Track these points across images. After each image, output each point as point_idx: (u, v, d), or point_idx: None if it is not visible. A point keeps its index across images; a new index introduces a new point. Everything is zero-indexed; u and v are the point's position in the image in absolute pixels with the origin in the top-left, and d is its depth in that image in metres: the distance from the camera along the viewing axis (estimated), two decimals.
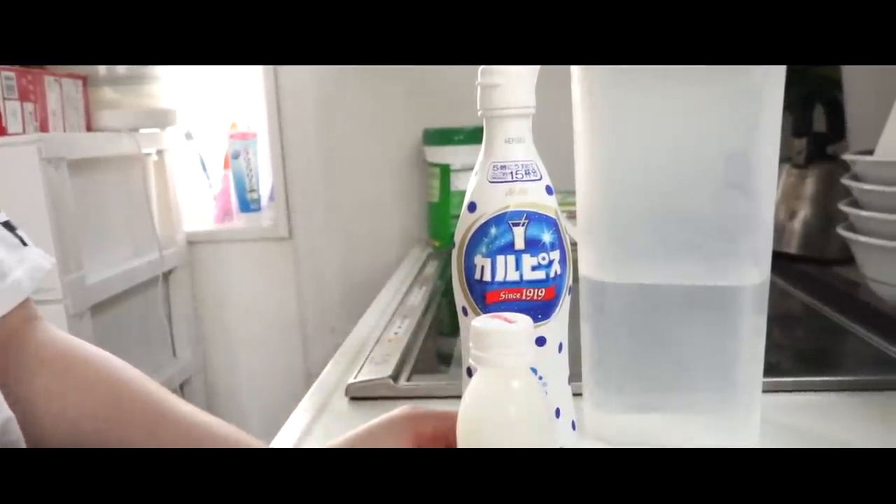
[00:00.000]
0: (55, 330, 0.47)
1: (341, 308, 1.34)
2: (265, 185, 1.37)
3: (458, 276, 0.42)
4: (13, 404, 0.42)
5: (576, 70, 0.47)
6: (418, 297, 0.86)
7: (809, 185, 0.98)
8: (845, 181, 0.66)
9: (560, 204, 0.42)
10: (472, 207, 0.41)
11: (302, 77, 1.29)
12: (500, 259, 0.40)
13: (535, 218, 0.40)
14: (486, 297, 0.40)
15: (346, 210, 1.33)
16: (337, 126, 1.30)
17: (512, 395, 0.31)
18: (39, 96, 1.03)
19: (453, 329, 0.83)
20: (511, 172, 0.40)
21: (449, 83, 1.26)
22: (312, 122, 1.31)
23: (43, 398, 0.43)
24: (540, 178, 0.41)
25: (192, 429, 0.43)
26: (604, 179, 0.47)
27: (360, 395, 0.58)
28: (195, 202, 1.39)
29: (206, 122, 1.38)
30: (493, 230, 0.40)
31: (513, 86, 0.41)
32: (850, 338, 0.68)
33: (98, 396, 0.43)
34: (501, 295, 0.40)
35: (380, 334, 0.72)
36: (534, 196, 0.40)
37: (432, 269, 1.04)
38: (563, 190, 0.46)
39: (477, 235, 0.41)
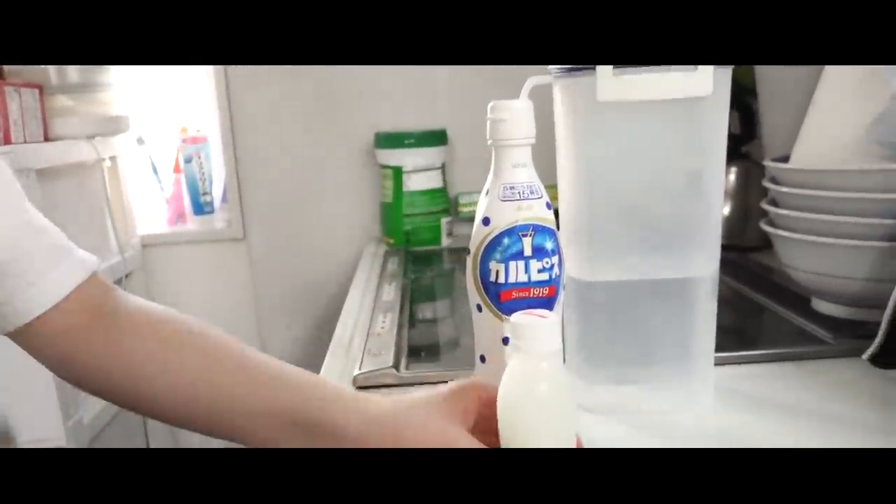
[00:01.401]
0: (135, 297, 0.52)
1: (296, 305, 1.40)
2: (218, 188, 1.41)
3: (473, 278, 0.50)
4: (110, 368, 0.47)
5: (558, 93, 0.56)
6: (391, 294, 0.93)
7: (728, 182, 1.10)
8: (765, 183, 0.78)
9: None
10: (486, 222, 0.49)
11: (252, 80, 1.34)
12: (511, 264, 0.48)
13: (539, 229, 0.49)
14: (500, 296, 0.49)
15: (298, 210, 1.38)
16: (288, 128, 1.35)
17: (543, 374, 0.40)
18: (1, 107, 1.05)
19: (432, 321, 0.91)
20: (518, 192, 0.49)
21: (399, 86, 1.34)
22: (264, 125, 1.35)
23: (143, 360, 0.47)
24: (541, 197, 0.49)
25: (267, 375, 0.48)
26: (583, 191, 0.56)
27: (366, 385, 0.65)
28: (147, 206, 1.41)
29: (156, 127, 1.41)
30: (505, 240, 0.48)
31: (517, 120, 0.49)
32: (771, 315, 0.80)
33: (191, 353, 0.49)
34: (513, 294, 0.49)
35: (367, 329, 0.79)
36: (538, 211, 0.49)
37: (395, 265, 1.11)
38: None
39: (491, 245, 0.49)
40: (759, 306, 0.84)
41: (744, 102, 1.14)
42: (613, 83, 0.50)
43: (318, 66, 1.31)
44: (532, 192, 0.49)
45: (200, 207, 1.40)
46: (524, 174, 0.49)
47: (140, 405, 0.48)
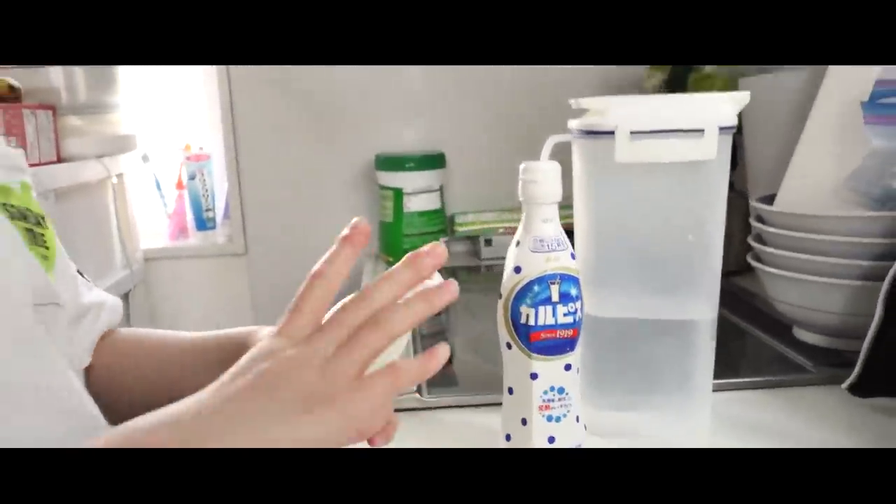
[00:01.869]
0: (131, 330, 0.61)
1: None
2: (220, 204, 1.45)
3: (504, 319, 0.56)
4: (118, 395, 0.55)
5: (576, 151, 0.62)
6: None
7: None
8: (752, 222, 0.85)
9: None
10: (517, 270, 0.55)
11: (256, 99, 1.38)
12: (541, 309, 0.54)
13: (565, 278, 0.55)
14: (529, 337, 0.55)
15: (298, 226, 1.43)
16: (290, 146, 1.40)
17: None
18: (20, 129, 1.08)
19: (443, 340, 0.96)
20: (547, 244, 0.55)
21: (399, 107, 1.39)
22: (266, 143, 1.40)
23: (128, 379, 0.55)
24: (567, 248, 0.55)
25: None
26: (596, 238, 0.62)
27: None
28: (149, 220, 1.45)
29: (160, 145, 1.44)
30: (535, 287, 0.54)
31: (546, 181, 0.55)
32: (754, 340, 0.88)
33: (150, 362, 0.59)
34: (542, 335, 0.55)
35: None
36: (564, 262, 0.55)
37: None
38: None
39: (522, 291, 0.55)
40: (742, 331, 0.91)
41: None
42: (630, 146, 0.57)
43: (320, 86, 1.36)
44: (559, 245, 0.55)
45: (203, 223, 1.44)
46: (552, 228, 0.55)
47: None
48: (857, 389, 0.66)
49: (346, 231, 0.46)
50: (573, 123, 0.61)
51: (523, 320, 0.55)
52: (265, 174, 1.41)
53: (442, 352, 0.44)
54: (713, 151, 0.56)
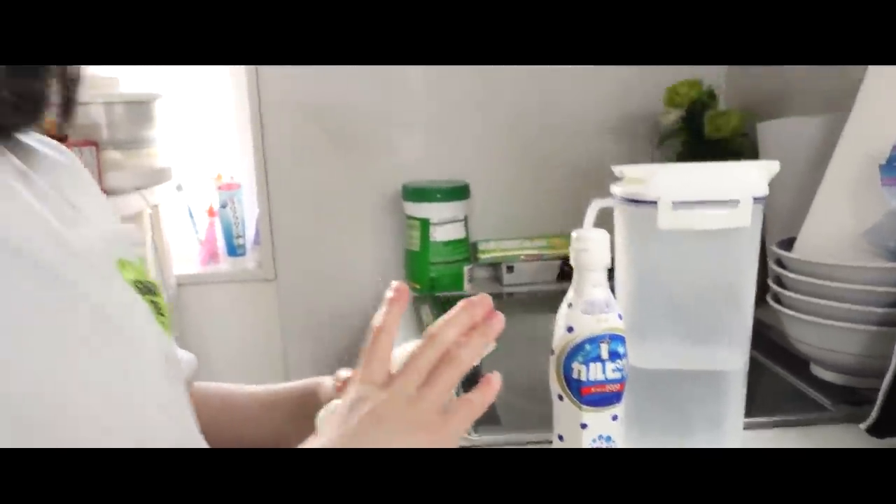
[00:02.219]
0: (204, 383, 0.68)
1: (321, 343, 1.50)
2: (250, 230, 1.51)
3: (556, 374, 0.62)
4: None
5: (619, 215, 0.67)
6: None
7: None
8: (771, 265, 0.90)
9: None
10: (570, 329, 0.61)
11: (285, 127, 1.43)
12: (591, 365, 0.60)
13: (614, 338, 0.60)
14: (581, 391, 0.60)
15: (327, 252, 1.48)
16: (318, 175, 1.45)
17: None
18: None
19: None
20: (598, 307, 0.60)
21: (425, 137, 1.45)
22: (295, 172, 1.45)
23: (205, 431, 0.60)
24: (615, 310, 0.61)
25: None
26: (637, 295, 0.68)
27: None
28: (182, 247, 1.50)
29: (192, 174, 1.50)
30: (587, 346, 0.60)
31: (597, 249, 0.60)
32: (772, 376, 0.93)
33: (224, 415, 0.65)
34: (592, 389, 0.60)
35: None
36: (612, 322, 0.60)
37: (427, 315, 1.22)
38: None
39: (575, 349, 0.60)
40: (760, 365, 0.96)
41: None
42: (671, 215, 0.62)
43: (348, 115, 1.41)
44: (608, 307, 0.60)
45: (234, 249, 1.49)
46: (602, 292, 0.61)
47: None
48: (876, 430, 0.71)
49: (390, 293, 0.55)
50: (616, 190, 0.66)
51: (575, 375, 0.60)
52: (294, 202, 1.46)
53: (496, 379, 0.53)
54: (747, 220, 0.62)
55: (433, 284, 1.36)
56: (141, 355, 0.45)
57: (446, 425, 0.49)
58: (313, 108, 1.43)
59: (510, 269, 1.43)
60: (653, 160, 1.42)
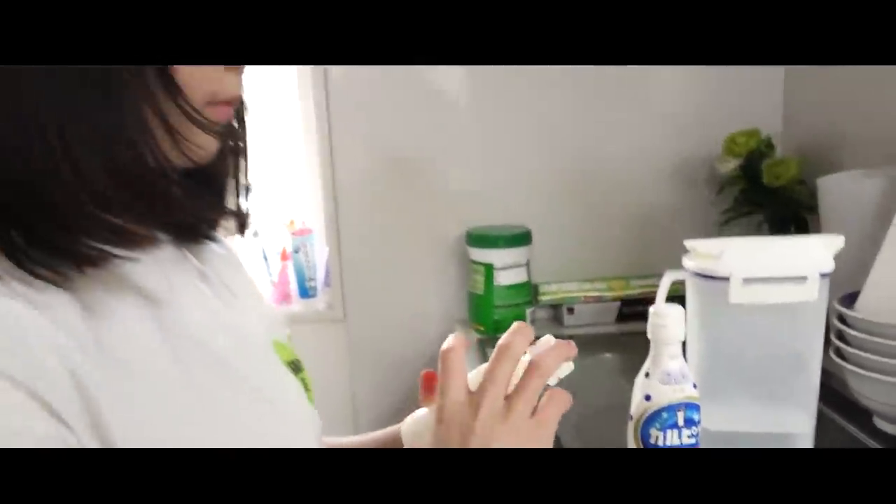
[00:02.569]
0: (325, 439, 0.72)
1: (388, 382, 1.57)
2: (321, 272, 1.58)
3: (634, 439, 0.66)
4: None
5: (691, 287, 0.72)
6: None
7: None
8: (834, 321, 0.93)
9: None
10: (647, 398, 0.65)
11: (356, 173, 1.50)
12: (668, 432, 0.65)
13: (689, 406, 0.65)
14: None
15: (394, 294, 1.55)
16: (387, 219, 1.52)
17: None
18: None
19: None
20: (674, 378, 0.65)
21: (490, 183, 1.51)
22: (364, 217, 1.52)
23: None
24: (690, 380, 0.66)
25: None
26: (708, 362, 0.72)
27: None
28: None
29: (265, 218, 1.58)
30: (664, 414, 0.65)
31: (674, 324, 0.65)
32: (835, 427, 0.95)
33: None
34: None
35: None
36: (688, 392, 0.65)
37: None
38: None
39: (652, 416, 0.65)
40: (823, 416, 0.98)
41: (800, 217, 1.30)
42: (742, 290, 0.67)
43: (417, 161, 1.48)
44: (683, 377, 0.65)
45: (305, 291, 1.57)
46: (677, 363, 0.65)
47: None
48: None
49: (446, 345, 0.54)
50: (688, 264, 0.71)
51: (652, 441, 0.65)
52: (363, 245, 1.53)
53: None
54: (815, 294, 0.66)
55: (497, 326, 1.42)
56: (295, 432, 0.51)
57: (540, 428, 0.50)
58: (382, 154, 1.50)
59: (571, 310, 1.47)
60: (711, 205, 1.46)
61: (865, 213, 0.98)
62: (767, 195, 1.30)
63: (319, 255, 1.58)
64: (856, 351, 0.88)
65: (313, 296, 1.58)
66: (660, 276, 1.44)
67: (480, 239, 1.43)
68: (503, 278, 1.41)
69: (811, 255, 0.67)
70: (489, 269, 1.41)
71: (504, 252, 1.41)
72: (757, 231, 1.41)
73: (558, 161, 1.52)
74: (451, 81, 1.48)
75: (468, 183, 1.51)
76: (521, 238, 1.43)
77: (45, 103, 0.38)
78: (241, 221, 0.53)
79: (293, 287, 1.58)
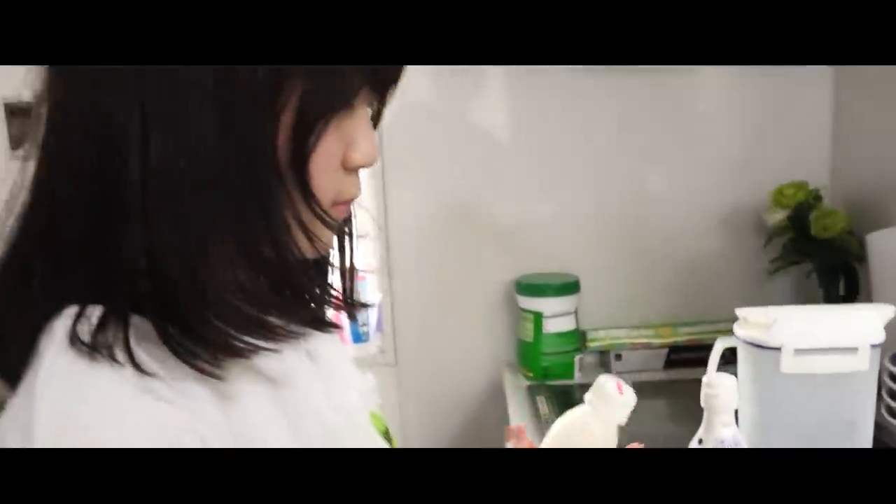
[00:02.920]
0: None
1: (438, 427, 1.60)
2: (374, 318, 1.63)
3: None
4: None
5: (742, 354, 0.75)
6: None
7: None
8: (885, 379, 0.94)
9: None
10: None
11: (408, 221, 1.55)
12: None
13: None
14: None
15: (444, 339, 1.58)
16: (437, 267, 1.56)
17: None
18: None
19: None
20: (727, 444, 0.67)
21: (540, 232, 1.54)
22: (417, 264, 1.57)
23: None
24: (741, 445, 0.68)
25: None
26: (760, 428, 0.74)
27: None
28: None
29: None
30: None
31: (726, 394, 0.67)
32: None
33: None
34: None
35: None
36: None
37: (541, 403, 1.30)
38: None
39: None
40: None
41: (849, 266, 1.31)
42: (794, 360, 0.69)
43: (469, 206, 1.53)
44: (737, 444, 0.67)
45: (359, 336, 1.61)
46: (730, 431, 0.68)
47: None
48: None
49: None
50: (740, 332, 0.74)
51: None
52: (415, 291, 1.57)
53: None
54: (866, 365, 0.68)
55: (545, 373, 1.44)
56: None
57: None
58: (435, 201, 1.54)
59: (618, 357, 1.49)
60: (761, 252, 1.47)
61: None
62: (816, 245, 1.31)
63: (372, 300, 1.62)
64: None
65: (366, 340, 1.62)
66: (708, 322, 1.48)
67: (530, 288, 1.46)
68: (552, 326, 1.44)
69: (862, 325, 0.69)
70: (538, 317, 1.44)
71: (553, 301, 1.44)
72: (806, 279, 1.41)
73: (608, 208, 1.54)
74: (503, 129, 1.53)
75: (518, 230, 1.55)
76: (570, 287, 1.46)
77: (205, 213, 0.43)
78: (350, 309, 0.58)
79: (346, 332, 1.63)
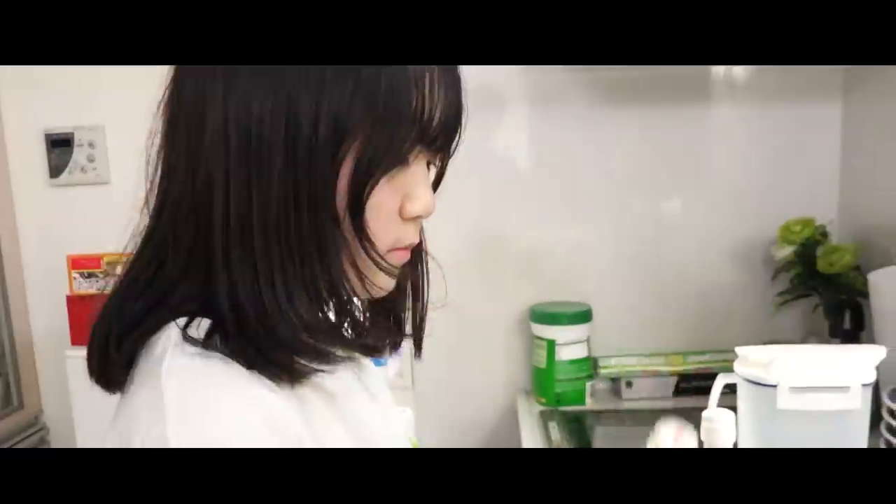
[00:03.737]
0: None
1: (454, 442, 1.64)
2: None
3: None
4: None
5: (742, 391, 0.79)
6: None
7: None
8: (884, 415, 0.98)
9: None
10: None
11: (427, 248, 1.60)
12: None
13: None
14: None
15: (460, 363, 1.63)
16: (454, 293, 1.61)
17: None
18: None
19: None
20: None
21: (555, 262, 1.59)
22: (435, 290, 1.61)
23: None
24: None
25: None
26: None
27: None
28: None
29: None
30: None
31: (724, 430, 0.72)
32: None
33: None
34: None
35: None
36: None
37: (556, 433, 1.35)
38: None
39: None
40: None
41: (854, 302, 1.35)
42: (789, 397, 0.73)
43: (490, 235, 1.58)
44: None
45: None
46: None
47: None
48: None
49: None
50: (739, 370, 0.78)
51: None
52: (433, 316, 1.62)
53: None
54: (858, 404, 0.72)
55: (558, 399, 1.49)
56: None
57: None
58: (452, 230, 1.60)
59: (629, 384, 1.54)
60: (769, 285, 1.51)
61: None
62: (822, 281, 1.35)
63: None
64: None
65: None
66: (717, 352, 1.52)
67: (543, 316, 1.51)
68: (565, 354, 1.49)
69: (855, 366, 0.74)
70: (551, 344, 1.49)
71: (566, 329, 1.49)
72: (813, 313, 1.45)
73: (622, 239, 1.59)
74: (523, 160, 1.59)
75: (535, 259, 1.60)
76: (583, 316, 1.50)
77: (272, 255, 0.49)
78: (418, 344, 0.63)
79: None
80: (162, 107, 0.53)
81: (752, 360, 0.77)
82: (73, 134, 1.57)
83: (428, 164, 0.57)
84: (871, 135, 1.43)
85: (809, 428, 0.75)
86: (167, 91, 0.53)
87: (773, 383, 0.73)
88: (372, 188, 0.51)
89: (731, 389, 0.79)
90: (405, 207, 0.55)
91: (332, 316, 0.54)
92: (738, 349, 0.79)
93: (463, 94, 0.55)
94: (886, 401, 0.98)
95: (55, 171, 1.58)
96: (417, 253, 0.62)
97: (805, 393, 0.72)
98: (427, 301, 0.65)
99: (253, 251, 0.48)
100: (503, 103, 1.56)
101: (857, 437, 0.75)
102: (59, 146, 1.56)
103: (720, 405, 0.73)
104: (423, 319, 0.64)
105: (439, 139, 0.54)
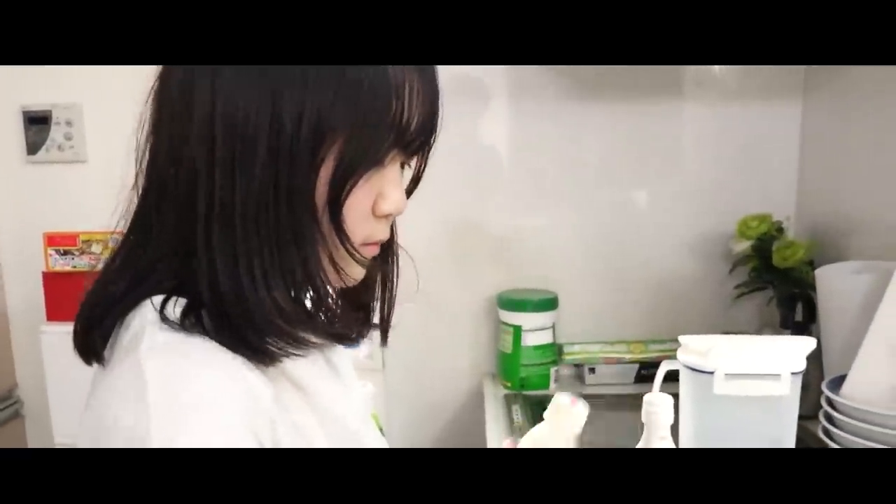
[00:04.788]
0: None
1: (421, 429, 1.70)
2: None
3: None
4: None
5: (684, 376, 0.84)
6: None
7: None
8: (823, 404, 1.04)
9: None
10: None
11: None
12: None
13: None
14: None
15: (429, 347, 1.68)
16: (424, 279, 1.65)
17: None
18: None
19: None
20: None
21: (522, 251, 1.64)
22: (405, 275, 1.66)
23: None
24: None
25: None
26: (698, 445, 0.83)
27: None
28: None
29: None
30: None
31: (663, 412, 0.77)
32: None
33: None
34: None
35: None
36: None
37: (519, 416, 1.40)
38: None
39: None
40: None
41: (806, 295, 1.40)
42: (725, 383, 0.78)
43: (456, 229, 1.62)
44: None
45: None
46: (667, 444, 0.77)
47: None
48: None
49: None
50: (682, 357, 0.83)
51: None
52: (403, 300, 1.66)
53: None
54: (787, 390, 0.78)
55: (523, 384, 1.54)
56: None
57: None
58: (424, 218, 1.63)
59: (592, 370, 1.59)
60: (727, 277, 1.56)
61: (855, 304, 1.09)
62: (777, 275, 1.40)
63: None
64: (840, 432, 0.98)
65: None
66: (676, 341, 1.56)
67: (510, 303, 1.56)
68: (530, 339, 1.54)
69: (785, 355, 0.79)
70: (517, 330, 1.54)
71: (532, 315, 1.54)
72: (767, 305, 1.51)
73: (589, 229, 1.64)
74: (494, 150, 1.63)
75: (503, 246, 1.64)
76: (548, 303, 1.55)
77: (251, 245, 0.52)
78: (384, 333, 0.68)
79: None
80: (151, 96, 0.57)
81: (692, 349, 0.82)
82: (50, 112, 1.59)
83: (402, 165, 0.61)
84: (830, 134, 1.48)
85: (743, 412, 0.80)
86: (156, 80, 0.56)
87: (711, 370, 0.78)
88: (351, 188, 0.54)
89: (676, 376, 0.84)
90: (378, 205, 0.58)
91: (307, 304, 0.58)
92: (680, 338, 0.84)
93: (440, 102, 0.58)
94: (824, 389, 1.04)
95: (32, 148, 1.60)
96: (388, 247, 0.66)
97: (739, 379, 0.77)
98: (395, 293, 0.69)
99: (234, 238, 0.52)
100: (474, 94, 1.60)
101: (787, 422, 0.81)
102: (37, 123, 1.58)
103: (668, 391, 0.78)
104: (390, 310, 0.68)
105: (415, 143, 0.58)
